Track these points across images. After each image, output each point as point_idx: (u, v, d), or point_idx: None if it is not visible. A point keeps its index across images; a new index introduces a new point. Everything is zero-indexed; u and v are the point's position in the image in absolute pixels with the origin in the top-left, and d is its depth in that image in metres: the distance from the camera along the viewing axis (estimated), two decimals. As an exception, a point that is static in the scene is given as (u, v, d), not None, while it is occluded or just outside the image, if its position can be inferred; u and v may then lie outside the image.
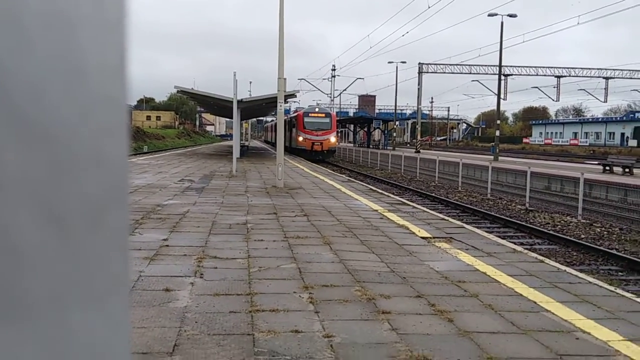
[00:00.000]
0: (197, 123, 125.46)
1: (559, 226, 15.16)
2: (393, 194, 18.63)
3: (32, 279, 0.37)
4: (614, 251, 11.75)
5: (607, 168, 25.56)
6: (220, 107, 37.36)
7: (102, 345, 0.44)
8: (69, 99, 0.40)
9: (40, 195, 0.38)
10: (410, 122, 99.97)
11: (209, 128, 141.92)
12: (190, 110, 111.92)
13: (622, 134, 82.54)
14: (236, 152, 24.14)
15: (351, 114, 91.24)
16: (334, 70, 75.23)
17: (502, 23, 35.75)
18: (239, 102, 23.24)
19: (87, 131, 0.42)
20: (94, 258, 0.43)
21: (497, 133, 37.28)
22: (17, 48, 0.36)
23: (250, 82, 77.64)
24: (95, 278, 0.43)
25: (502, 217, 16.13)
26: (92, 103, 0.43)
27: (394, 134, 62.86)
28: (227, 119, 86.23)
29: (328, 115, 42.22)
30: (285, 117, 26.44)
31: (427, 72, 55.66)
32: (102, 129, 0.44)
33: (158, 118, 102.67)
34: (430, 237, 9.02)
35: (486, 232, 10.67)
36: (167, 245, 7.70)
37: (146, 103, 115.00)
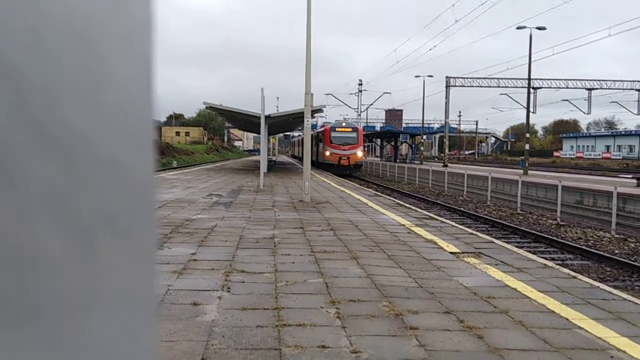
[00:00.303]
0: (226, 138, 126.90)
1: (592, 241, 14.81)
2: (421, 208, 18.48)
3: (50, 288, 0.37)
4: (649, 267, 11.41)
5: (641, 182, 24.92)
6: (248, 122, 37.73)
7: (123, 357, 0.44)
8: (92, 110, 0.40)
9: (61, 205, 0.38)
10: (437, 136, 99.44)
11: (237, 143, 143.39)
12: (219, 126, 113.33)
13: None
14: (263, 167, 24.30)
15: (378, 129, 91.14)
16: (361, 85, 75.49)
17: (530, 36, 35.44)
18: (267, 117, 23.46)
19: (111, 143, 0.42)
20: (117, 270, 0.43)
21: (527, 147, 36.74)
22: (37, 57, 0.36)
23: (278, 97, 78.44)
24: (117, 290, 0.43)
25: (533, 231, 15.85)
26: (117, 115, 0.43)
27: (421, 148, 62.47)
28: (255, 134, 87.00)
29: (355, 129, 42.23)
30: (312, 132, 26.58)
31: (455, 86, 55.35)
32: (128, 141, 0.44)
33: (187, 134, 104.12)
34: (459, 252, 8.91)
35: (516, 247, 10.49)
36: (195, 260, 7.77)
37: (175, 119, 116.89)
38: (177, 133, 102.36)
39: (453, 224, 13.18)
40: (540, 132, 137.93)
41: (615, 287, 8.05)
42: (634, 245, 14.13)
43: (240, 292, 6.13)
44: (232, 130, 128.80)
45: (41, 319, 0.36)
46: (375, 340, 4.76)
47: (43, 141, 0.37)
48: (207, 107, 35.80)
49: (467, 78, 57.66)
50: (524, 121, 38.45)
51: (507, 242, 11.38)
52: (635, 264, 11.62)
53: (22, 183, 0.35)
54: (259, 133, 28.11)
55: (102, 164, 0.41)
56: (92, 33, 0.40)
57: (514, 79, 56.82)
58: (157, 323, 0.50)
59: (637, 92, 61.28)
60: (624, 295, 6.72)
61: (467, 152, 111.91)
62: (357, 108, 76.45)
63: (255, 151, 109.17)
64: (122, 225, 0.43)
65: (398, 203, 17.92)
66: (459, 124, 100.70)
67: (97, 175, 0.41)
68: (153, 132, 0.47)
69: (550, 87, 60.00)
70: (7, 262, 0.34)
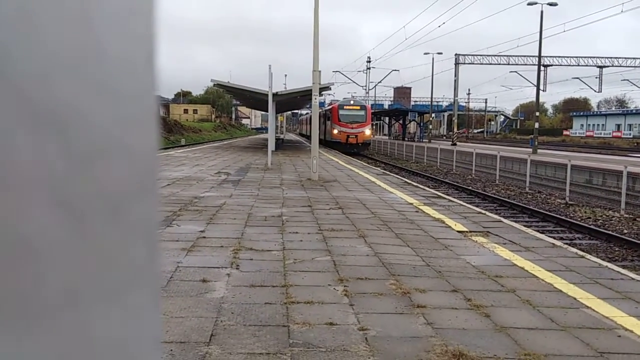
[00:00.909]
0: (233, 116, 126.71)
1: (601, 221, 14.76)
2: (428, 187, 18.46)
3: (50, 276, 0.36)
4: (658, 247, 11.37)
5: (652, 161, 24.72)
6: (256, 100, 37.63)
7: (127, 340, 0.43)
8: (90, 86, 0.39)
9: (58, 188, 0.36)
10: (446, 114, 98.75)
11: (244, 121, 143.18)
12: (227, 103, 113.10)
13: (668, 126, 79.74)
14: (271, 145, 24.28)
15: (386, 106, 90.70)
16: (369, 62, 74.82)
17: (541, 12, 34.86)
18: (274, 95, 23.37)
19: (111, 120, 0.41)
20: (117, 252, 0.42)
21: (536, 125, 36.43)
22: (29, 33, 0.34)
23: (286, 75, 78.16)
24: (118, 272, 0.42)
25: (541, 211, 15.80)
26: (118, 91, 0.41)
27: (430, 127, 62.11)
28: (263, 112, 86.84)
29: (363, 107, 42.01)
30: (320, 110, 26.49)
31: (464, 64, 54.77)
32: (129, 119, 0.42)
33: (195, 111, 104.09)
34: (467, 231, 8.91)
35: (524, 226, 10.48)
36: (204, 237, 7.82)
37: (183, 96, 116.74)
38: (185, 110, 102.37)
39: (461, 202, 13.16)
40: (550, 110, 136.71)
41: (623, 266, 8.04)
42: (643, 225, 14.07)
43: (249, 270, 6.18)
44: (239, 108, 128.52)
45: (43, 310, 0.36)
46: (383, 318, 4.79)
47: (38, 121, 0.35)
48: (215, 85, 35.74)
49: (476, 55, 57.01)
50: (534, 99, 38.09)
51: (516, 222, 11.37)
52: (644, 243, 11.58)
53: (16, 167, 0.34)
54: (266, 111, 28.04)
55: (103, 144, 0.40)
56: (89, 6, 0.39)
57: (524, 56, 56.09)
58: (160, 306, 0.49)
59: (649, 70, 60.41)
60: (633, 275, 6.71)
61: (475, 131, 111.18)
62: (365, 86, 75.88)
63: (263, 129, 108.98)
64: (124, 208, 0.42)
65: (406, 182, 17.91)
66: (468, 102, 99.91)
67: (97, 156, 0.40)
68: (156, 109, 0.46)
69: (561, 65, 59.22)
70: (5, 253, 0.33)
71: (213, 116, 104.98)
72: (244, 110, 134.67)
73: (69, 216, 0.38)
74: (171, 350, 3.99)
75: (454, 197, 15.22)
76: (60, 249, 0.37)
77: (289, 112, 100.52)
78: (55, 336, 0.37)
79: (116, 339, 0.42)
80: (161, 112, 0.49)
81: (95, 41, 0.39)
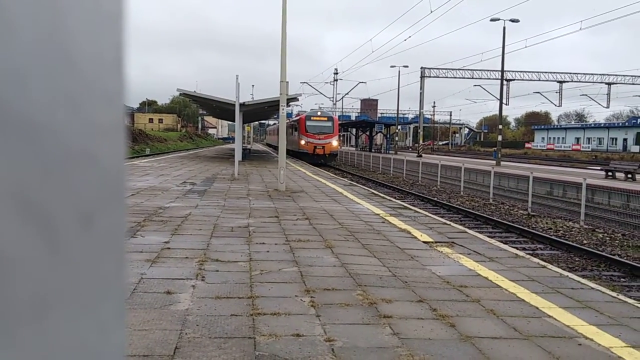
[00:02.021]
0: (200, 126, 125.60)
1: (561, 231, 15.12)
2: (395, 198, 18.62)
3: (15, 287, 0.35)
4: (616, 257, 11.72)
5: (610, 174, 25.51)
6: (223, 110, 37.42)
7: (93, 352, 0.42)
8: (58, 93, 0.38)
9: (25, 196, 0.36)
10: (412, 126, 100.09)
11: (211, 131, 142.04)
12: (193, 113, 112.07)
13: (625, 140, 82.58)
14: (238, 155, 24.15)
15: (353, 118, 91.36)
16: (337, 74, 75.34)
17: (504, 28, 35.84)
18: (241, 105, 23.28)
19: (78, 128, 0.40)
20: (85, 263, 0.41)
21: (500, 138, 37.25)
22: None
23: (253, 85, 78.40)
24: (85, 283, 0.41)
25: (504, 222, 16.11)
26: (86, 99, 0.41)
27: (396, 138, 62.80)
28: (230, 122, 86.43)
29: (330, 118, 42.26)
30: (288, 121, 26.54)
31: (430, 77, 55.67)
32: (96, 127, 0.42)
33: (160, 121, 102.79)
34: (432, 242, 9.00)
35: (488, 237, 10.65)
36: (169, 248, 7.70)
37: (148, 106, 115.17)
38: (151, 120, 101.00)
39: (427, 213, 13.31)
40: (513, 123, 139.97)
41: (583, 276, 8.25)
42: (602, 236, 14.48)
43: (215, 281, 6.11)
44: (206, 118, 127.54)
45: (8, 322, 0.35)
46: (349, 329, 4.79)
47: (6, 129, 0.34)
48: (181, 94, 35.45)
49: (441, 69, 58.00)
50: (497, 112, 38.96)
51: (480, 232, 11.54)
52: (603, 254, 11.91)
53: None
54: (233, 121, 27.93)
55: (69, 153, 0.39)
56: (57, 13, 0.38)
57: (487, 70, 57.26)
58: (125, 317, 0.48)
59: (606, 86, 62.49)
60: (592, 284, 6.88)
61: (441, 143, 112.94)
62: (333, 97, 76.35)
63: (230, 139, 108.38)
64: (91, 217, 0.41)
65: (373, 192, 18.02)
66: (433, 115, 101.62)
67: (63, 165, 0.39)
68: (124, 118, 0.45)
69: (523, 79, 60.70)
70: None
71: (179, 126, 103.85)
72: (210, 120, 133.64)
73: (37, 227, 0.37)
74: (134, 364, 3.89)
75: (420, 208, 15.39)
76: (28, 259, 0.36)
77: (256, 123, 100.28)
78: (19, 350, 0.36)
79: (81, 352, 0.41)
80: (126, 121, 0.48)
81: (64, 47, 0.39)
